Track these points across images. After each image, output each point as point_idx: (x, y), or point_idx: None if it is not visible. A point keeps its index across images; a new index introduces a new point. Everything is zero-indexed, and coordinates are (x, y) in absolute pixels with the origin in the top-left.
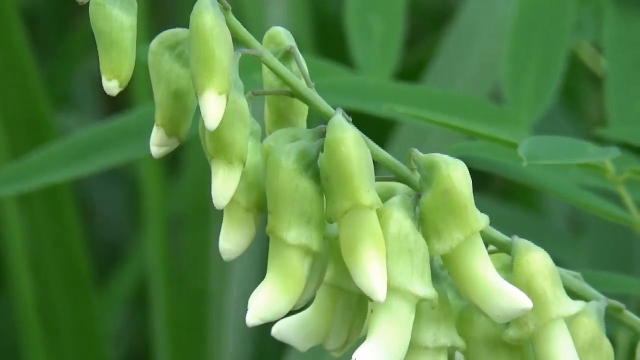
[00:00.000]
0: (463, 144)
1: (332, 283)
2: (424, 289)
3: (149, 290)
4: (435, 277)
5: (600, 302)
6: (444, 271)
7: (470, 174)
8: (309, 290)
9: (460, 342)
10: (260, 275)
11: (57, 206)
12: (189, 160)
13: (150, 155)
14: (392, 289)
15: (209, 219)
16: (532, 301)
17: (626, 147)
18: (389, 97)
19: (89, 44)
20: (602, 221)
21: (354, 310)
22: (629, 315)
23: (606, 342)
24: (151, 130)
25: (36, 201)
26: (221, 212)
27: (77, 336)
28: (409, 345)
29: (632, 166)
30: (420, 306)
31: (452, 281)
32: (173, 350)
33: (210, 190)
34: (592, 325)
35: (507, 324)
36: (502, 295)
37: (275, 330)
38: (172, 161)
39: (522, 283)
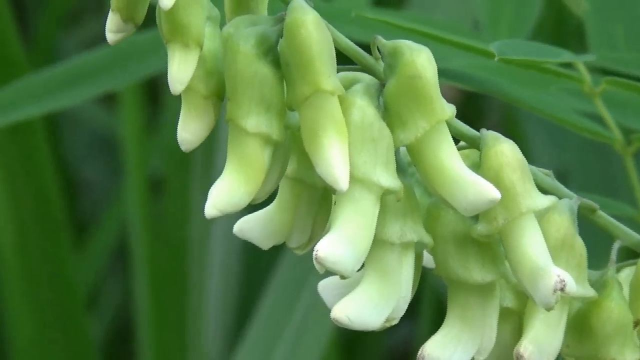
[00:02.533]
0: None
1: (294, 176)
2: (389, 179)
3: (130, 243)
4: (402, 171)
5: (573, 201)
6: (411, 167)
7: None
8: (270, 182)
9: (427, 239)
10: None
11: (35, 165)
12: (169, 116)
13: (128, 90)
14: (355, 179)
15: (188, 173)
16: (501, 194)
17: (605, 73)
18: (366, 22)
19: (72, 9)
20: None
21: (318, 205)
22: (603, 215)
23: (579, 242)
24: (124, 65)
25: (15, 158)
26: (201, 168)
27: (56, 290)
28: (374, 241)
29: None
30: (385, 200)
31: (419, 176)
32: (155, 302)
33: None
34: (564, 223)
35: (476, 220)
36: (469, 186)
37: (237, 228)
38: (153, 117)
39: (491, 175)
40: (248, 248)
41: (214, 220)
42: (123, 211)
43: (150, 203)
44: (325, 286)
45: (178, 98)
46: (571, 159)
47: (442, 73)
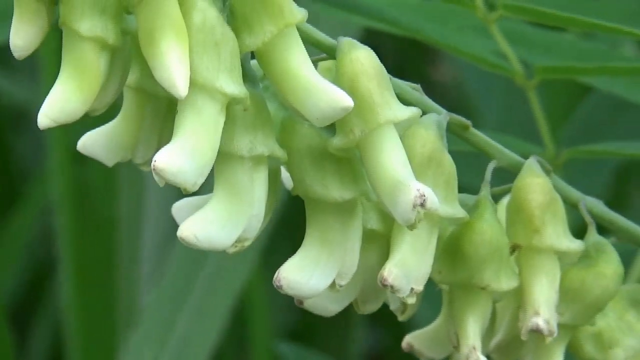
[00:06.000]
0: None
1: (136, 86)
2: (233, 86)
3: (54, 220)
4: (251, 82)
5: (441, 116)
6: (266, 81)
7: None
8: (109, 91)
9: (280, 152)
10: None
11: None
12: None
13: None
14: (196, 86)
15: None
16: (357, 104)
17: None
18: None
19: None
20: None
21: (163, 118)
22: (476, 133)
23: (447, 159)
24: None
25: None
26: None
27: None
28: (223, 155)
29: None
30: (233, 111)
31: (272, 88)
32: (82, 287)
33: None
34: (430, 138)
35: (333, 133)
36: (320, 93)
37: (80, 145)
38: None
39: (346, 84)
40: None
41: (145, 197)
42: (47, 188)
43: (75, 179)
44: (179, 208)
45: None
46: (496, 104)
47: (357, 10)
